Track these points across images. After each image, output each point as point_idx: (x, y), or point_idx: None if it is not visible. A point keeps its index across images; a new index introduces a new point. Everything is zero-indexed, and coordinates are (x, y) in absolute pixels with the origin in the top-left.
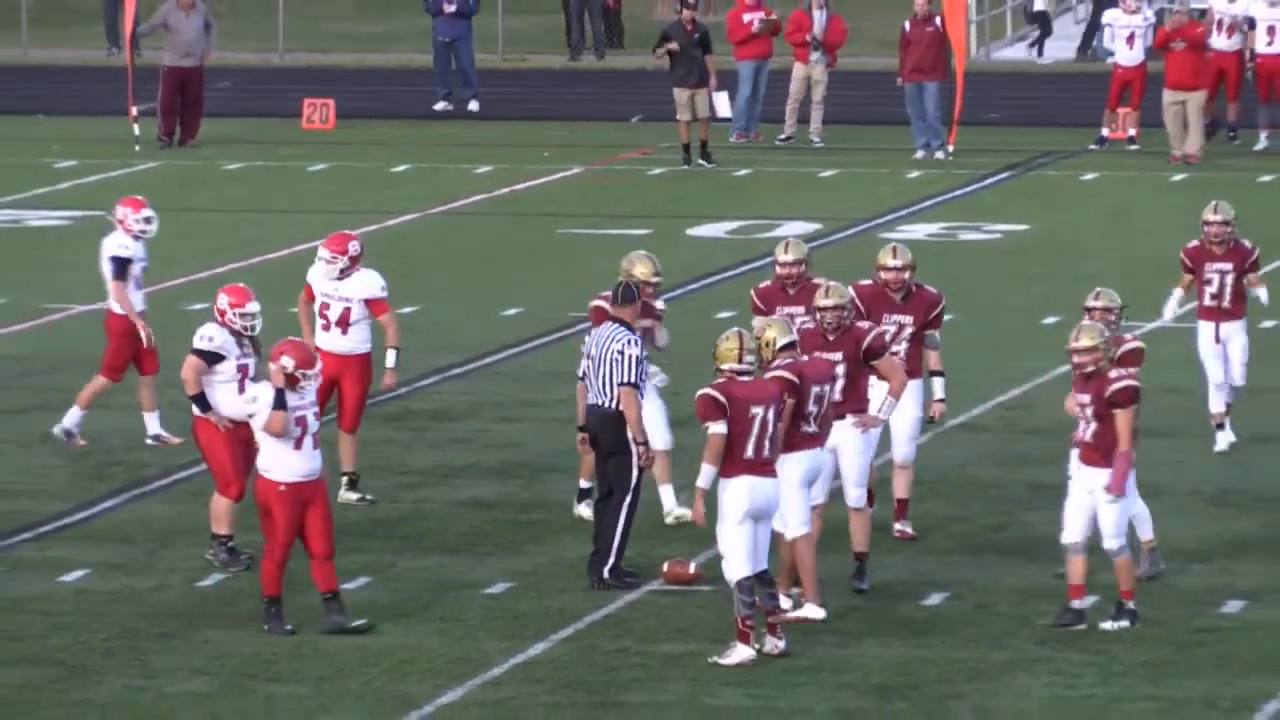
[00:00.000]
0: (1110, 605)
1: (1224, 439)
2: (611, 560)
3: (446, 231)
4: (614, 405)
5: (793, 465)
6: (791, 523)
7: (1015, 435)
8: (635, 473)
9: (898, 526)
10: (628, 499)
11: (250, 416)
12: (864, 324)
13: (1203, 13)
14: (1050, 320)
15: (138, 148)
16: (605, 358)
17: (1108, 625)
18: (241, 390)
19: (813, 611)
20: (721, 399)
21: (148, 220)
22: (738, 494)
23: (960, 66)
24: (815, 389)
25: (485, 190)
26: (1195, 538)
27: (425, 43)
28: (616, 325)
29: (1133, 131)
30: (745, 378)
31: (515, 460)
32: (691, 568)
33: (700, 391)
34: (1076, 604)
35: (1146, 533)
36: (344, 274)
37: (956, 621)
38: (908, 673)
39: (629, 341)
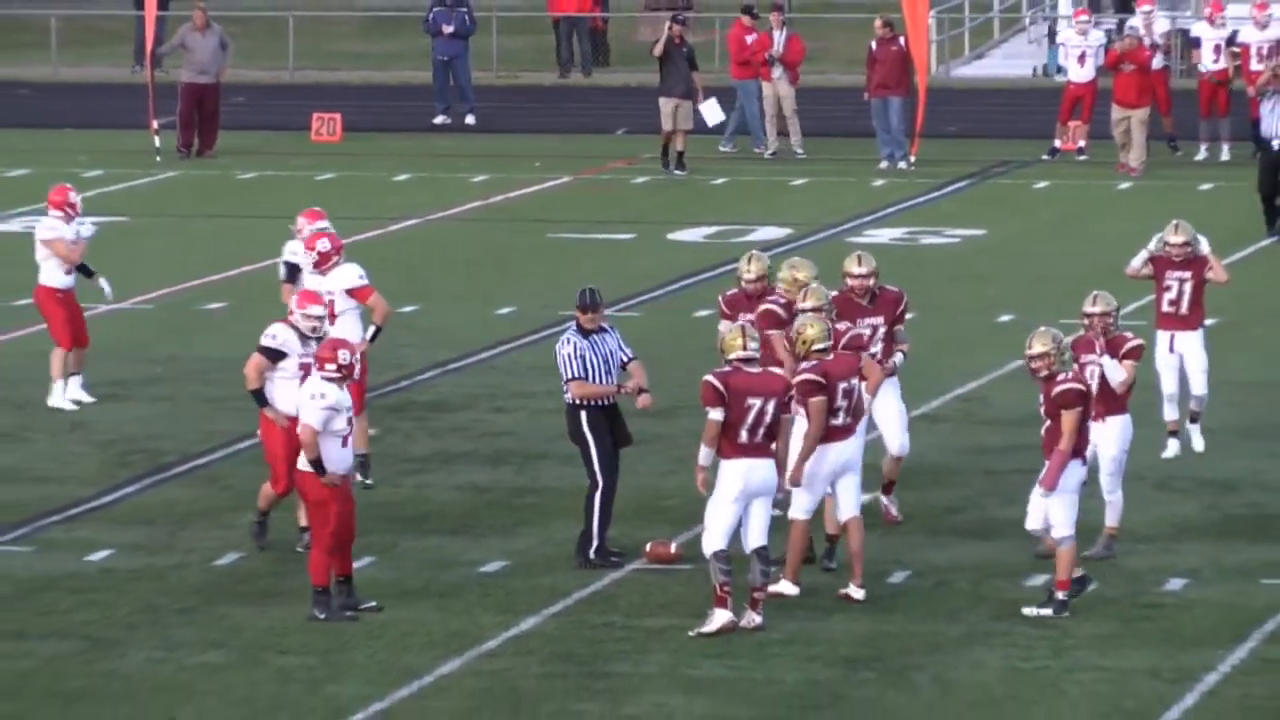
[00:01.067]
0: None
1: (1174, 446)
2: (595, 543)
3: (445, 236)
4: (570, 401)
5: (824, 456)
6: (795, 505)
7: (972, 426)
8: (596, 464)
9: (885, 502)
10: (599, 489)
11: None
12: (841, 325)
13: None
14: (1005, 319)
15: (158, 158)
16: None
17: (1029, 611)
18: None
19: (787, 588)
20: (721, 388)
21: (319, 231)
22: (733, 475)
23: (922, 83)
24: (842, 384)
25: (481, 198)
26: (1142, 521)
27: (425, 61)
28: (572, 330)
29: (1082, 143)
30: (751, 368)
31: (508, 448)
32: (673, 548)
33: (704, 378)
34: (1077, 573)
35: (1112, 520)
36: (321, 270)
37: (918, 598)
38: (873, 645)
39: (563, 341)
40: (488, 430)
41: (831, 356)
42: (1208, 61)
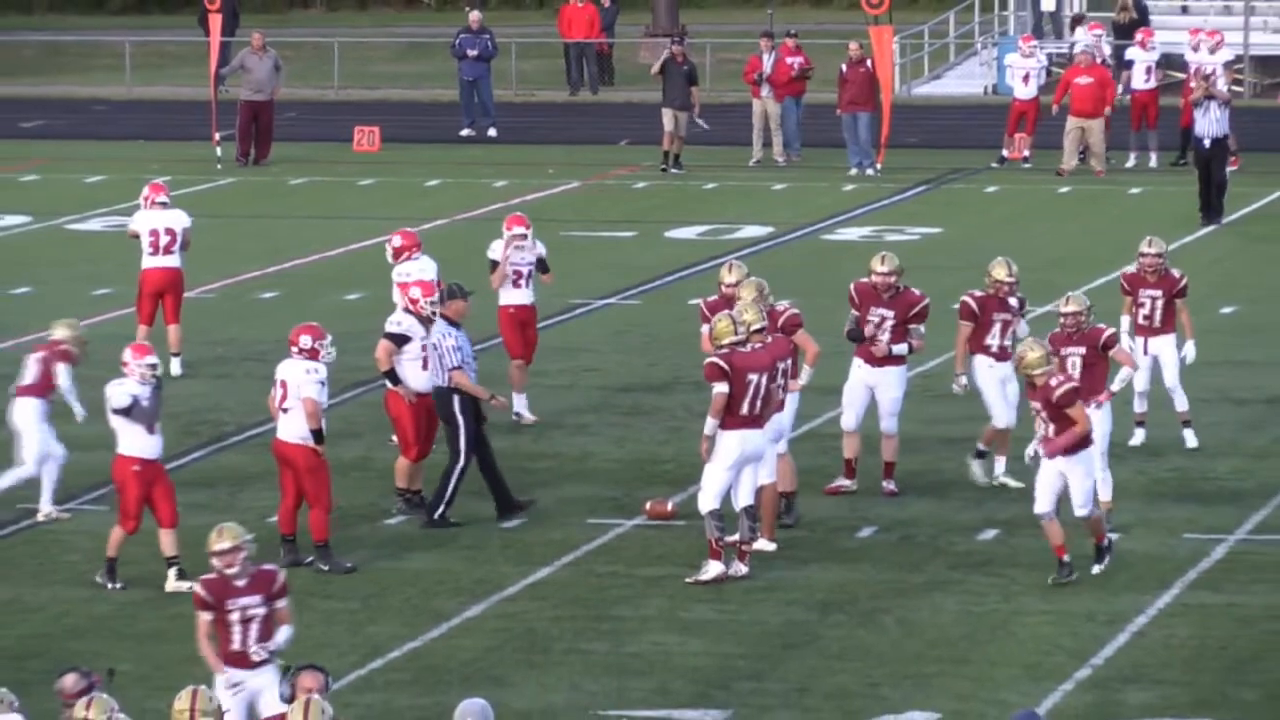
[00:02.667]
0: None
1: (1140, 435)
2: (440, 510)
3: (470, 234)
4: (446, 384)
5: (734, 442)
6: (761, 473)
7: (930, 399)
8: (464, 442)
9: (886, 485)
10: (459, 464)
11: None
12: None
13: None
14: (958, 306)
15: (219, 166)
16: (436, 348)
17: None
18: (425, 367)
19: (765, 545)
20: (725, 366)
21: (520, 236)
22: (731, 444)
23: (887, 100)
24: (751, 375)
25: (502, 200)
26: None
27: (453, 81)
28: (442, 321)
29: (1027, 153)
30: (744, 348)
31: (523, 418)
32: (669, 506)
33: (708, 360)
34: (1066, 558)
35: (1106, 494)
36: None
37: (883, 550)
38: (844, 592)
39: (444, 334)
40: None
41: (748, 348)
42: (1139, 81)
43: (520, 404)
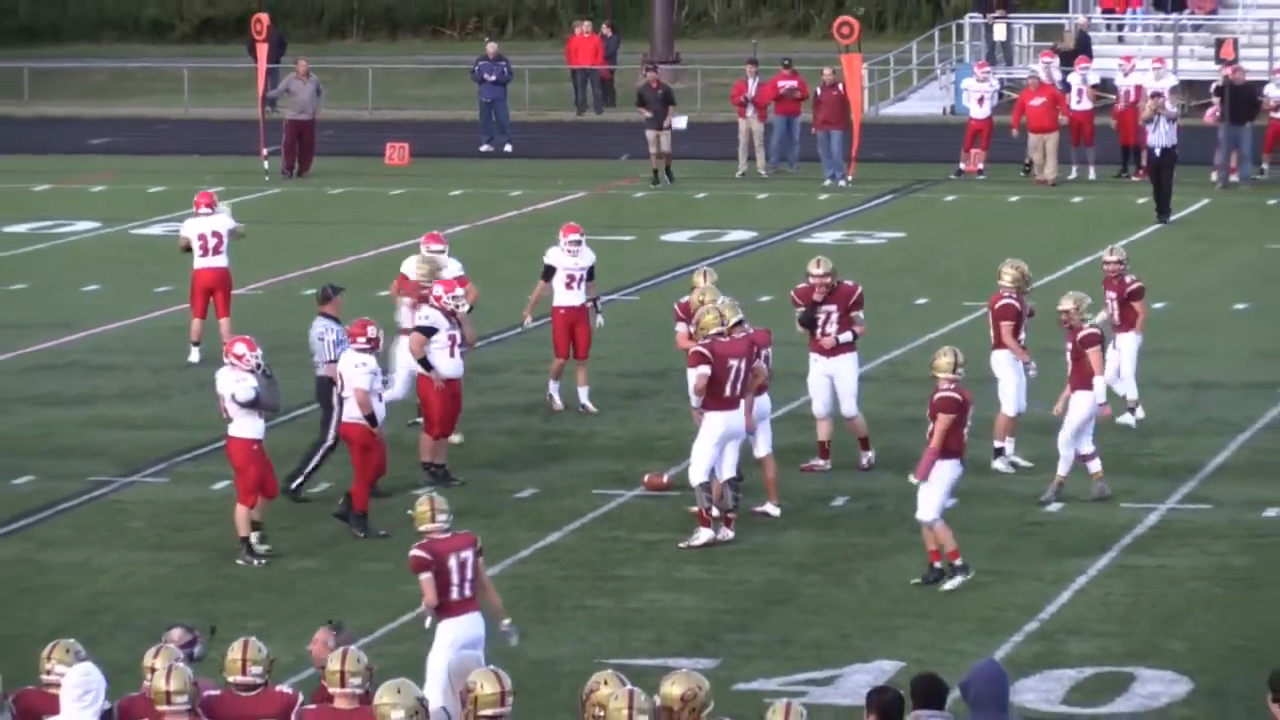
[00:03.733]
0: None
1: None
2: (298, 481)
3: (489, 237)
4: (325, 374)
5: (718, 422)
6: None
7: (896, 384)
8: (332, 427)
9: (864, 457)
10: (325, 445)
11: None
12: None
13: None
14: (920, 301)
15: (266, 178)
16: (315, 344)
17: (949, 585)
18: (452, 355)
19: (772, 509)
20: (708, 353)
21: (575, 242)
22: (716, 423)
23: (857, 119)
24: (731, 361)
25: (516, 208)
26: (1029, 456)
27: (474, 103)
28: (322, 318)
29: (981, 166)
30: (724, 338)
31: (537, 401)
32: (665, 478)
33: (693, 349)
34: (959, 562)
35: (1095, 467)
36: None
37: (854, 518)
38: (820, 554)
39: (325, 329)
40: (521, 388)
41: (726, 339)
42: (1076, 103)
43: (553, 389)
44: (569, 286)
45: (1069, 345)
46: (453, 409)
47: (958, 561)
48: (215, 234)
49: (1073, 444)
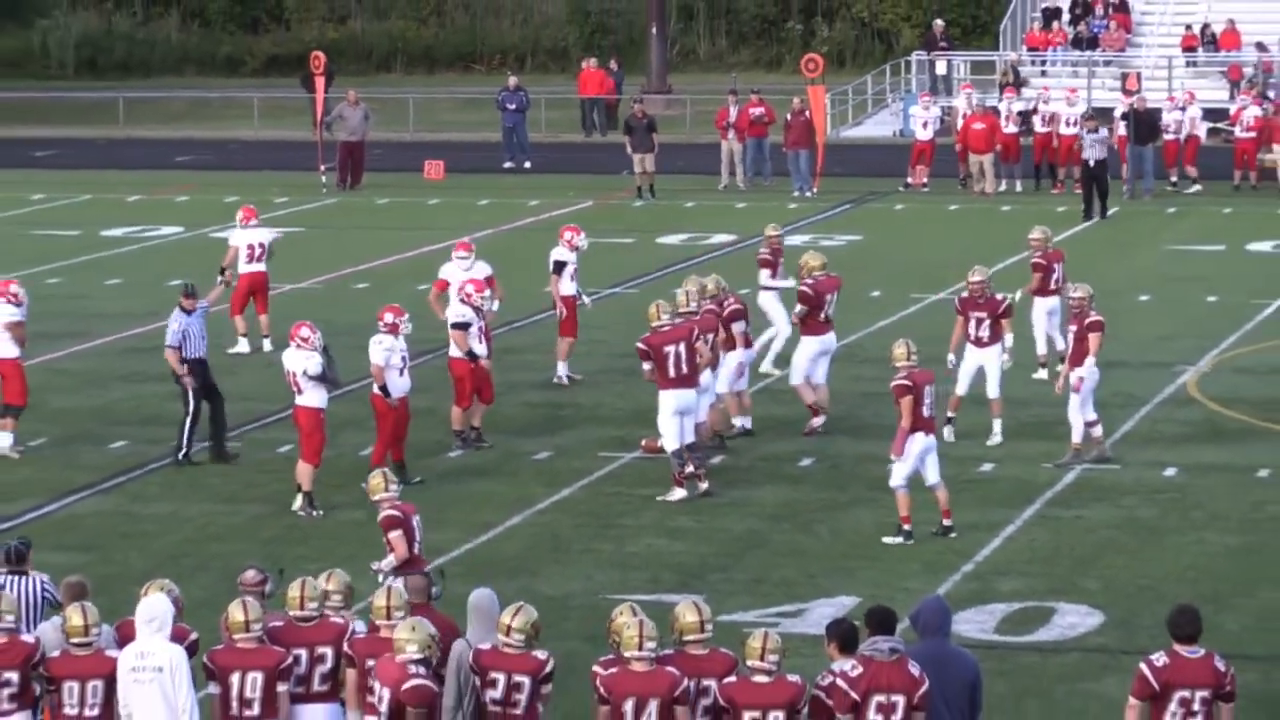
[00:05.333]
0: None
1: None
2: (184, 450)
3: (510, 241)
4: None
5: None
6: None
7: (854, 363)
8: (191, 401)
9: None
10: (189, 417)
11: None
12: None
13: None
14: (874, 294)
15: (324, 190)
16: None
17: (889, 540)
18: (481, 342)
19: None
20: (644, 347)
21: (583, 240)
22: (667, 400)
23: (820, 141)
24: (668, 348)
25: (534, 215)
26: (966, 425)
27: (498, 127)
28: (177, 310)
29: (925, 180)
30: (665, 327)
31: (549, 380)
32: (659, 443)
33: (637, 343)
34: (907, 528)
35: (1098, 431)
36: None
37: (818, 476)
38: (789, 507)
39: (175, 319)
40: (539, 366)
41: (668, 328)
42: (1006, 127)
43: (563, 369)
44: (572, 279)
45: (1073, 328)
46: (482, 386)
47: (906, 527)
48: (260, 244)
49: (1080, 412)
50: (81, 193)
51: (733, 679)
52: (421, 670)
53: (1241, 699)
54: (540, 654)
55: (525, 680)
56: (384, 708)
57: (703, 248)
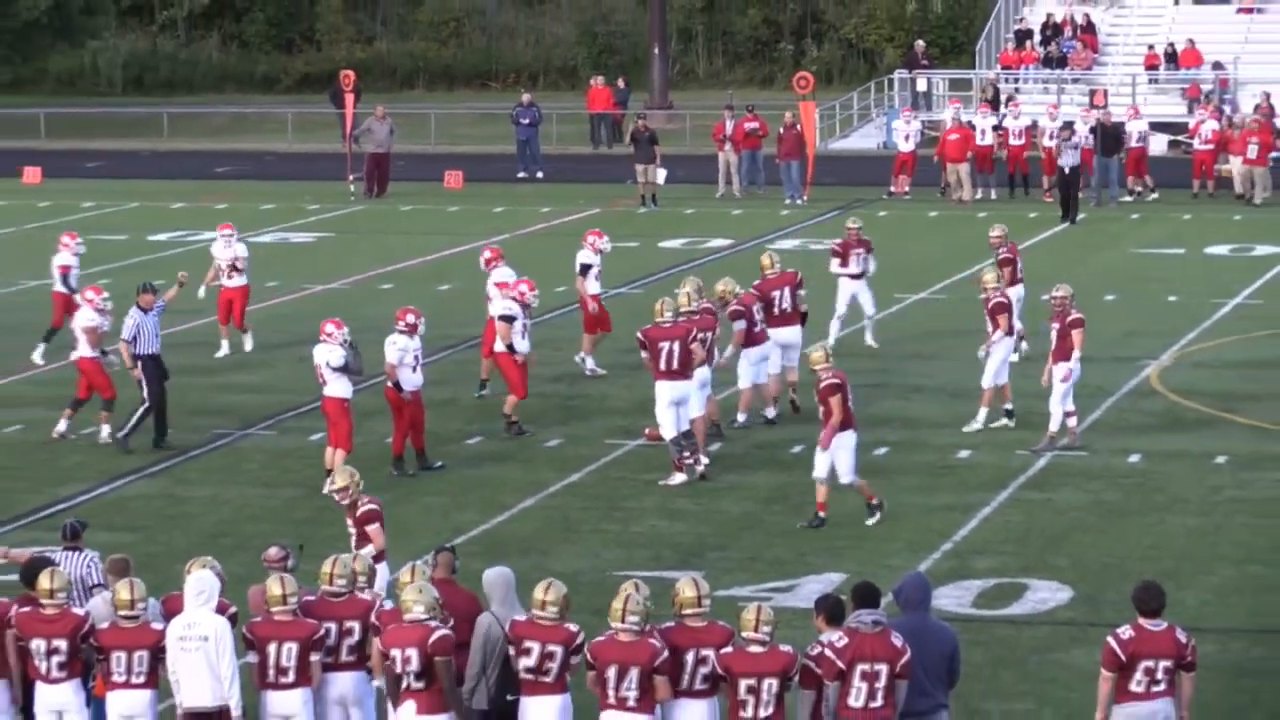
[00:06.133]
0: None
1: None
2: (125, 432)
3: (525, 245)
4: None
5: (665, 390)
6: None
7: (840, 357)
8: (147, 391)
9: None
10: (146, 405)
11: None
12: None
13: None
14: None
15: (352, 198)
16: (139, 328)
17: (870, 521)
18: (523, 337)
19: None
20: (642, 338)
21: (604, 243)
22: (662, 390)
23: (811, 153)
24: (661, 343)
25: (545, 222)
26: (945, 415)
27: (512, 140)
28: (135, 308)
29: (907, 189)
30: (667, 323)
31: (564, 372)
32: (660, 431)
33: (637, 333)
34: (822, 515)
35: (1073, 422)
36: (490, 268)
37: (808, 461)
38: (781, 490)
39: (132, 315)
40: (552, 361)
41: (669, 324)
42: (981, 139)
43: (591, 361)
44: (596, 278)
45: (1055, 325)
46: (525, 377)
47: (874, 501)
48: (241, 259)
49: (1060, 404)
50: (129, 200)
51: (729, 649)
52: (437, 623)
53: (1200, 668)
54: (572, 626)
55: (558, 650)
56: (413, 667)
57: (701, 251)
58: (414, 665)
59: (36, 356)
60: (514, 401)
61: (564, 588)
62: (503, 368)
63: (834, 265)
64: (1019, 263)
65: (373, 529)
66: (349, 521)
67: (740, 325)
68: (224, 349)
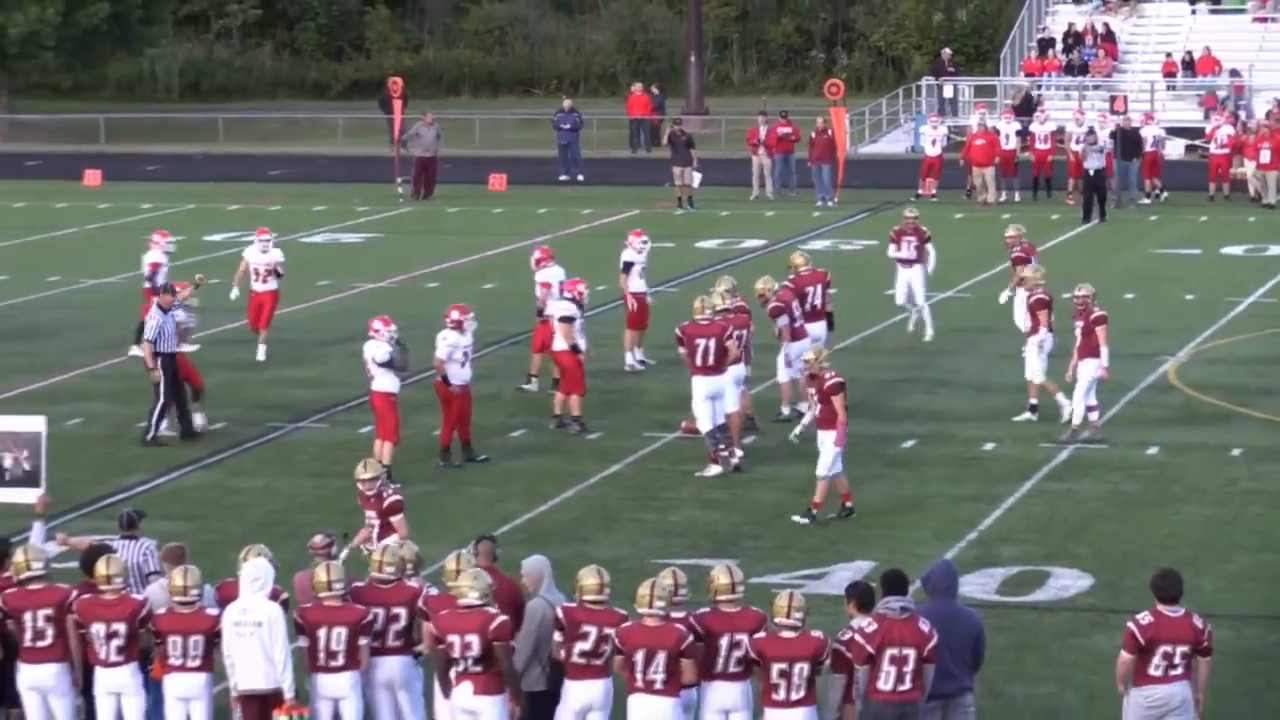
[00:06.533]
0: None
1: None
2: (153, 433)
3: (565, 244)
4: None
5: (701, 384)
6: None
7: (869, 353)
8: (162, 389)
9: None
10: (160, 402)
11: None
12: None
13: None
14: (889, 292)
15: (401, 200)
16: (160, 328)
17: (797, 518)
18: (581, 334)
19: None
20: (680, 334)
21: (644, 242)
22: (698, 385)
23: (841, 157)
24: (699, 340)
25: (586, 223)
26: (970, 410)
27: (554, 144)
28: (156, 308)
29: (934, 191)
30: (705, 321)
31: (601, 368)
32: (696, 424)
33: (676, 329)
34: (815, 512)
35: (1095, 416)
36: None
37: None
38: (813, 482)
39: (152, 316)
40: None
41: (706, 322)
42: (1005, 144)
43: (632, 357)
44: (640, 276)
45: (1079, 323)
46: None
47: (849, 504)
48: (277, 264)
49: (1084, 399)
50: (186, 202)
51: (762, 634)
52: (495, 609)
53: (1216, 653)
54: (622, 611)
55: (613, 633)
56: (473, 652)
57: (736, 251)
58: (475, 650)
59: (134, 350)
60: (564, 399)
61: (607, 574)
62: (565, 367)
63: (890, 250)
64: (1033, 262)
65: (397, 519)
66: (370, 513)
67: (783, 321)
68: (261, 353)
